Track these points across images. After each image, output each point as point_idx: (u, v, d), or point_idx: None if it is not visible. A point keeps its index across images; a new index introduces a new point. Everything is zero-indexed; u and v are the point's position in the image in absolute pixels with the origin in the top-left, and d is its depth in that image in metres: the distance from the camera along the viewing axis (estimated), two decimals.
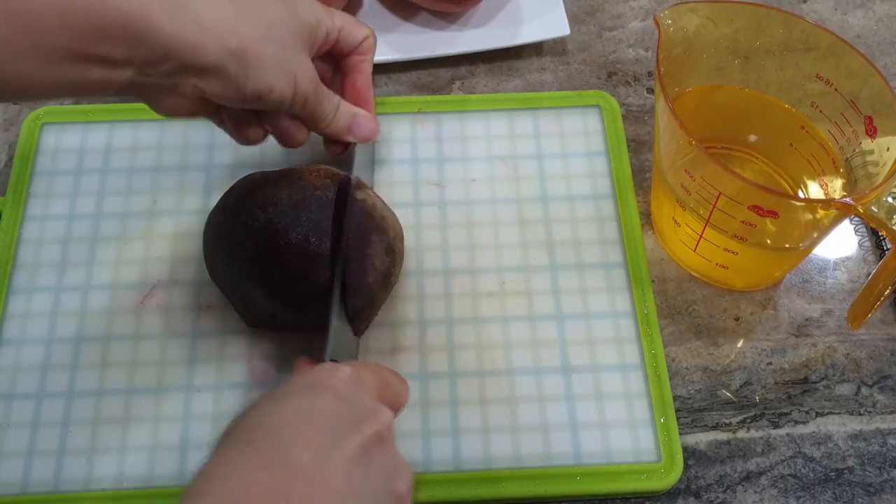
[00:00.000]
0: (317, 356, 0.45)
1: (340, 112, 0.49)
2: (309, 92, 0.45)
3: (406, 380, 0.42)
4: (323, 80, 0.49)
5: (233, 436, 0.35)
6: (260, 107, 0.45)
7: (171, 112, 0.44)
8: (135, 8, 0.38)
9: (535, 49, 0.67)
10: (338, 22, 0.49)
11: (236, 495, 0.31)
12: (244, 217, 0.48)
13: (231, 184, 0.52)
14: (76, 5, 0.36)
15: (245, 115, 0.48)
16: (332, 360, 0.44)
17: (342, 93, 0.52)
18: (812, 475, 0.50)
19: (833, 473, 0.50)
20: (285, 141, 0.49)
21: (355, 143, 0.52)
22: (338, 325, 0.45)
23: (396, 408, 0.40)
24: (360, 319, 0.49)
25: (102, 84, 0.39)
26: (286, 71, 0.44)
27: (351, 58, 0.51)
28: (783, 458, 0.51)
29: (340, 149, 0.52)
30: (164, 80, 0.41)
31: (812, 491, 0.50)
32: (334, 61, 0.52)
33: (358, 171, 0.51)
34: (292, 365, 0.51)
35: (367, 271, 0.47)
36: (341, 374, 0.37)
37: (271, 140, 0.57)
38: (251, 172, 0.52)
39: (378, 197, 0.51)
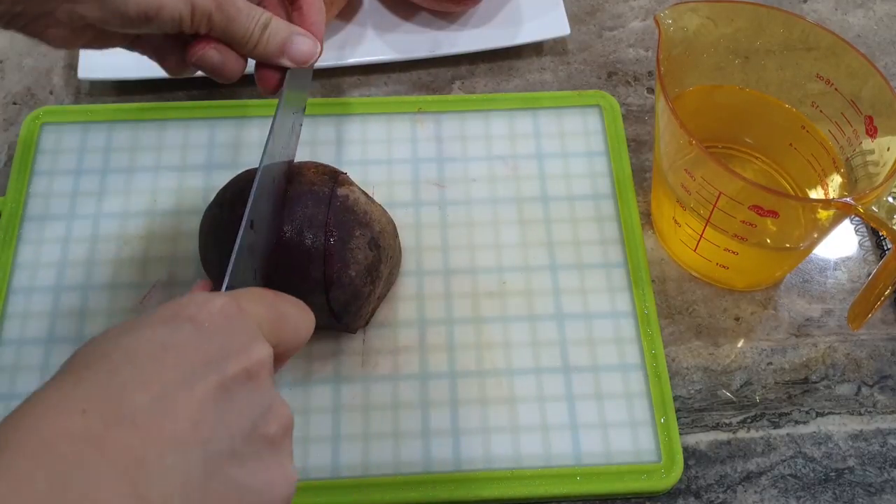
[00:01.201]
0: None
1: (271, 30, 0.43)
2: (211, 8, 0.40)
3: (310, 310, 0.36)
4: (264, 3, 0.45)
5: (65, 370, 0.30)
6: (155, 30, 0.40)
7: (62, 44, 0.40)
8: None
9: (535, 49, 0.67)
10: None
11: (43, 447, 0.26)
12: (240, 211, 0.48)
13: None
14: None
15: (162, 41, 0.43)
16: (230, 288, 0.38)
17: (290, 21, 0.46)
18: (812, 475, 0.50)
19: (833, 473, 0.50)
20: (213, 70, 0.43)
21: (288, 74, 0.46)
22: (242, 255, 0.40)
23: (296, 343, 0.35)
24: (348, 314, 0.49)
25: None
26: None
27: None
28: (783, 458, 0.51)
29: (274, 79, 0.45)
30: (31, 7, 0.38)
31: (812, 491, 0.50)
32: None
33: (282, 114, 0.46)
34: (292, 365, 0.52)
35: (349, 265, 0.47)
36: (212, 305, 0.31)
37: None
38: (249, 168, 0.52)
39: (364, 193, 0.51)
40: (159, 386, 0.28)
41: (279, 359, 0.34)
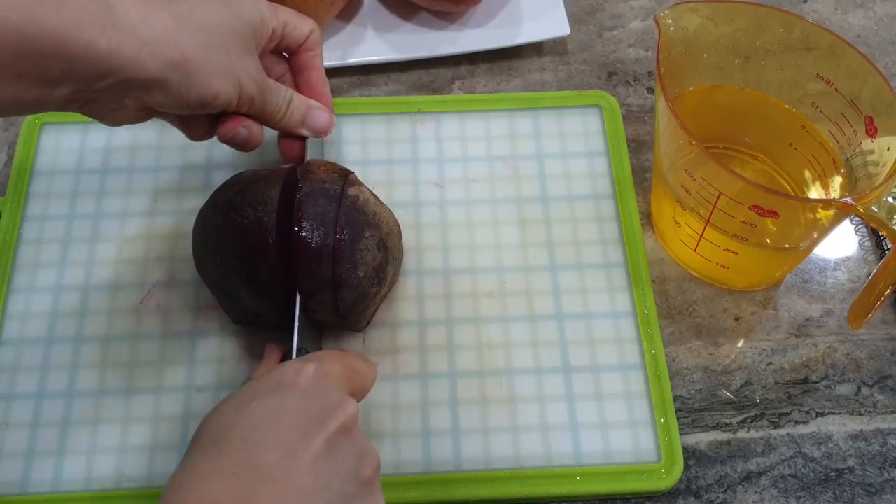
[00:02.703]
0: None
1: (294, 105, 0.49)
2: (254, 92, 0.45)
3: (372, 361, 0.43)
4: (275, 76, 0.50)
5: (201, 442, 0.36)
6: (205, 111, 0.45)
7: (118, 122, 0.44)
8: (69, 27, 0.37)
9: (535, 49, 0.67)
10: (282, 17, 0.48)
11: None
12: (234, 215, 0.48)
13: None
14: (8, 24, 0.36)
15: (195, 115, 0.47)
16: (301, 350, 0.46)
17: (298, 91, 0.51)
18: (812, 475, 0.50)
19: (833, 473, 0.50)
20: (240, 144, 0.48)
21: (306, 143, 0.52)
22: (301, 316, 0.47)
23: (364, 391, 0.42)
24: (354, 314, 0.49)
25: (39, 101, 0.39)
26: (230, 75, 0.44)
27: (301, 55, 0.51)
28: (783, 458, 0.51)
29: (296, 147, 0.51)
30: (105, 95, 0.41)
31: (812, 491, 0.50)
32: (285, 57, 0.52)
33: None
34: None
35: (358, 266, 0.47)
36: (306, 371, 0.38)
37: (270, 140, 0.57)
38: (242, 171, 0.52)
39: (372, 193, 0.51)
40: (283, 447, 0.35)
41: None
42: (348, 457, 0.36)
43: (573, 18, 0.68)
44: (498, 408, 0.51)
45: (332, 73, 0.65)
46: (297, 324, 0.46)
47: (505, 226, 0.57)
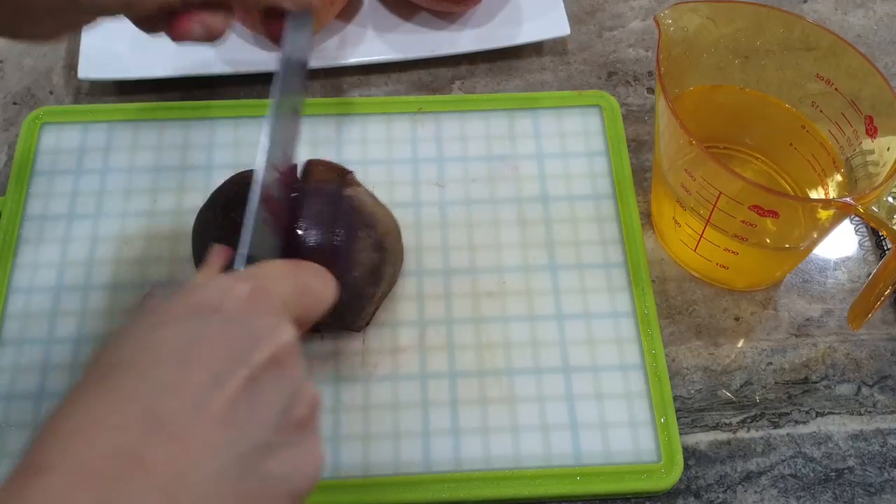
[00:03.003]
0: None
1: None
2: None
3: (331, 277, 0.36)
4: None
5: (91, 374, 0.29)
6: (144, 11, 0.40)
7: (52, 35, 0.40)
8: None
9: (535, 49, 0.67)
10: None
11: (83, 467, 0.26)
12: (234, 214, 0.48)
13: None
14: None
15: (149, 15, 0.42)
16: (251, 258, 0.36)
17: None
18: (812, 475, 0.50)
19: (833, 473, 0.50)
20: (199, 41, 0.42)
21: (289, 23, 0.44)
22: (259, 217, 0.38)
23: (317, 312, 0.35)
24: (350, 314, 0.49)
25: None
26: None
27: None
28: (783, 458, 0.51)
29: (278, 26, 0.44)
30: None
31: (812, 491, 0.50)
32: None
33: (285, 64, 0.44)
34: None
35: (353, 266, 0.47)
36: (237, 291, 0.31)
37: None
38: (242, 171, 0.52)
39: (370, 194, 0.51)
40: (190, 389, 0.28)
41: (303, 325, 0.34)
42: (276, 397, 0.30)
43: (573, 18, 0.68)
44: (498, 408, 0.51)
45: (333, 73, 0.65)
46: (251, 223, 0.37)
47: (505, 226, 0.57)
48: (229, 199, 0.49)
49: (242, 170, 0.52)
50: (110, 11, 0.39)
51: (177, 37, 0.41)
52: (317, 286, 0.35)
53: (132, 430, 0.27)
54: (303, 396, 0.31)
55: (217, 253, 0.37)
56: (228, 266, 0.37)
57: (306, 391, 0.31)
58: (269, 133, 0.40)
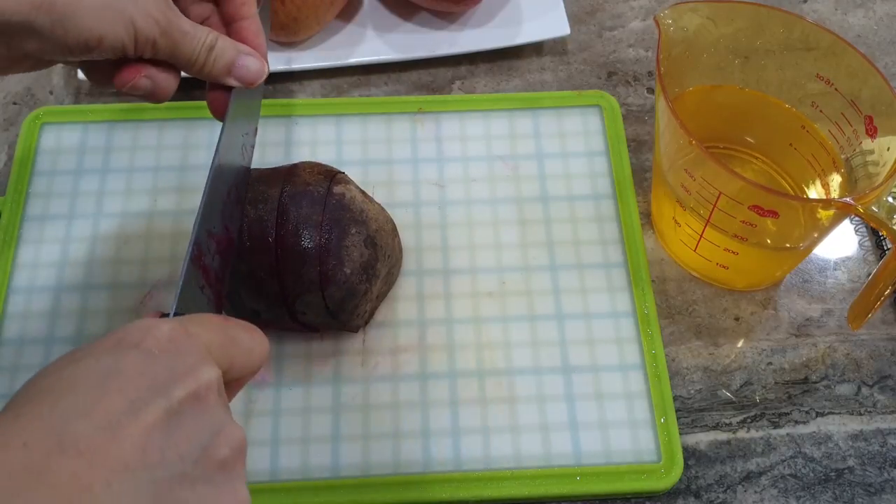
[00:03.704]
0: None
1: (217, 51, 0.42)
2: (155, 34, 0.40)
3: (263, 334, 0.36)
4: (197, 19, 0.44)
5: (9, 405, 0.29)
6: (96, 57, 0.40)
7: (4, 70, 0.40)
8: None
9: (535, 49, 0.67)
10: None
11: None
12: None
13: None
14: None
15: (99, 64, 0.42)
16: (178, 314, 0.37)
17: None
18: (812, 475, 0.50)
19: (833, 473, 0.50)
20: (144, 96, 0.42)
21: (233, 93, 0.45)
22: (189, 273, 0.39)
23: (249, 366, 0.35)
24: (345, 312, 0.49)
25: None
26: (119, 16, 0.38)
27: (229, 2, 0.45)
28: (783, 458, 0.51)
29: (223, 100, 0.45)
30: None
31: (812, 491, 0.50)
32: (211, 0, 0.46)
33: (228, 136, 0.44)
34: (292, 365, 0.52)
35: (344, 263, 0.47)
36: (158, 330, 0.31)
37: (270, 139, 0.57)
38: None
39: (361, 191, 0.51)
40: (104, 413, 0.28)
41: (233, 384, 0.34)
42: (196, 431, 0.29)
43: (573, 18, 0.68)
44: (498, 408, 0.51)
45: (332, 73, 0.65)
46: (181, 280, 0.38)
47: (505, 226, 0.57)
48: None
49: None
50: (70, 54, 0.39)
51: (121, 84, 0.41)
52: (245, 340, 0.35)
53: (39, 448, 0.26)
54: (226, 437, 0.30)
55: (149, 315, 0.37)
56: None
57: (231, 433, 0.31)
58: (205, 200, 0.41)
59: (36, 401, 0.28)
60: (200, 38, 0.42)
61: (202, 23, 0.44)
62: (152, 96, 0.42)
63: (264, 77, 0.45)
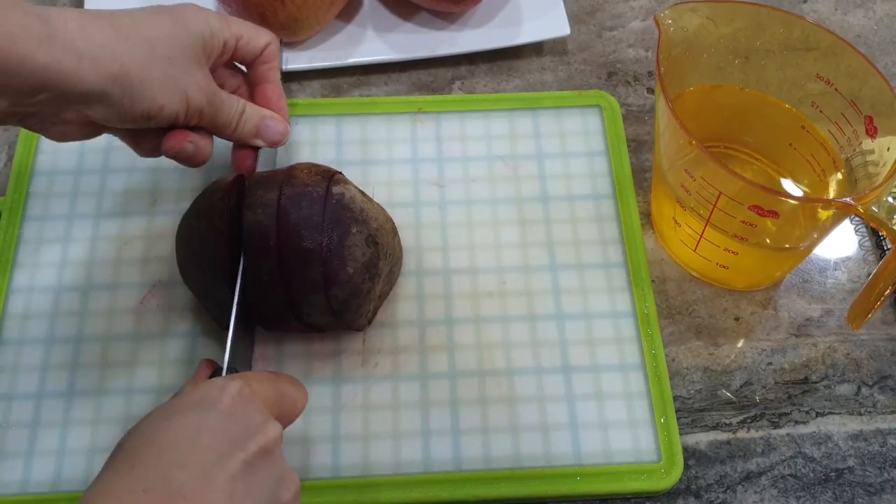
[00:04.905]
0: (236, 360, 0.46)
1: (246, 116, 0.48)
2: (203, 104, 0.45)
3: (303, 386, 0.43)
4: (230, 89, 0.49)
5: (116, 459, 0.35)
6: (152, 125, 0.44)
7: (62, 138, 0.44)
8: (3, 40, 0.37)
9: (535, 49, 0.67)
10: (235, 30, 0.48)
11: None
12: (217, 222, 0.48)
13: None
14: None
15: (143, 130, 0.46)
16: (231, 368, 0.45)
17: (254, 103, 0.51)
18: (812, 475, 0.50)
19: (833, 473, 0.50)
20: (187, 160, 0.47)
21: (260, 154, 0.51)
22: (237, 333, 0.47)
23: (293, 415, 0.42)
24: (349, 312, 0.49)
25: None
26: (176, 88, 0.43)
27: (257, 67, 0.50)
28: (783, 458, 0.51)
29: (249, 158, 0.50)
30: (45, 108, 0.40)
31: (812, 491, 0.50)
32: (241, 70, 0.51)
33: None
34: (292, 365, 0.52)
35: (347, 262, 0.47)
36: (230, 389, 0.38)
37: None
38: (219, 179, 0.51)
39: (360, 191, 0.51)
40: (199, 465, 0.34)
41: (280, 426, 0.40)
42: (267, 480, 0.36)
43: (573, 18, 0.68)
44: (498, 408, 0.51)
45: (332, 73, 0.65)
46: (230, 340, 0.46)
47: (505, 226, 0.57)
48: (212, 206, 0.49)
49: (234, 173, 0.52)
50: (131, 122, 0.43)
51: (168, 149, 0.46)
52: (291, 392, 0.42)
53: (156, 494, 0.33)
54: (288, 484, 0.37)
55: (203, 365, 0.46)
56: (215, 374, 0.45)
57: (291, 480, 0.37)
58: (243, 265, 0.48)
59: (143, 454, 0.34)
60: (235, 106, 0.47)
61: (233, 92, 0.50)
62: (194, 160, 0.47)
63: (287, 138, 0.51)
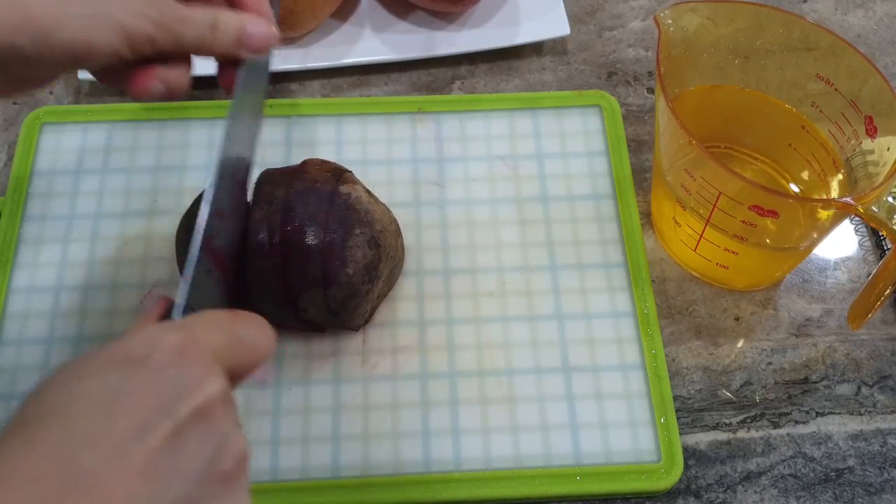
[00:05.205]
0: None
1: (223, 26, 0.41)
2: (150, 30, 0.38)
3: (270, 327, 0.35)
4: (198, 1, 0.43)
5: (15, 425, 0.29)
6: (93, 66, 0.39)
7: (7, 93, 0.40)
8: None
9: (535, 49, 0.67)
10: None
11: None
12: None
13: None
14: None
15: (109, 70, 0.40)
16: (188, 308, 0.36)
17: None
18: (812, 475, 0.50)
19: (833, 473, 0.50)
20: (161, 99, 0.41)
21: (239, 71, 0.43)
22: (200, 261, 0.38)
23: (254, 363, 0.34)
24: (345, 312, 0.49)
25: None
26: (102, 21, 0.37)
27: None
28: (783, 458, 0.51)
29: (231, 75, 0.43)
30: None
31: (812, 491, 0.50)
32: None
33: (235, 119, 0.43)
34: (292, 365, 0.52)
35: (347, 263, 0.47)
36: (165, 342, 0.31)
37: (270, 139, 0.57)
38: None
39: (367, 192, 0.51)
40: (111, 441, 0.28)
41: (236, 379, 0.34)
42: (201, 448, 0.29)
43: (573, 18, 0.68)
44: (498, 408, 0.51)
45: (332, 73, 0.65)
46: (190, 271, 0.37)
47: (505, 226, 0.57)
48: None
49: None
50: (62, 68, 0.39)
51: (135, 93, 0.40)
52: (251, 335, 0.34)
53: (47, 485, 0.26)
54: (230, 449, 0.30)
55: (156, 303, 0.36)
56: (166, 315, 0.36)
57: (234, 444, 0.31)
58: (215, 182, 0.40)
59: (44, 424, 0.28)
60: (201, 19, 0.40)
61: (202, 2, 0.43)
62: (170, 97, 0.41)
63: (274, 41, 0.43)
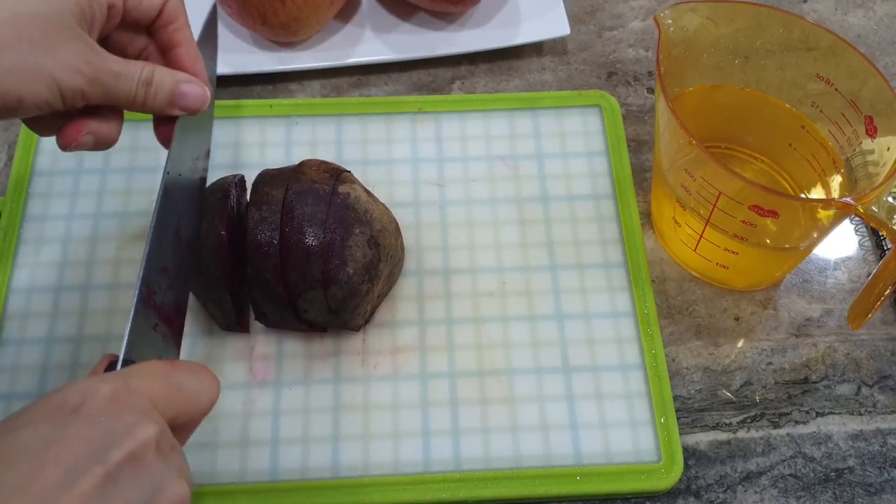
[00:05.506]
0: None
1: (157, 83, 0.41)
2: (82, 84, 0.38)
3: (212, 375, 0.36)
4: (135, 54, 0.43)
5: None
6: (24, 116, 0.39)
7: None
8: None
9: (535, 49, 0.67)
10: None
11: None
12: (217, 222, 0.48)
13: None
14: None
15: (40, 119, 0.41)
16: (128, 361, 0.37)
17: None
18: (812, 475, 0.50)
19: (833, 473, 0.50)
20: (93, 149, 0.41)
21: (179, 121, 0.44)
22: (140, 316, 0.39)
23: (197, 412, 0.35)
24: (346, 311, 0.49)
25: None
26: (36, 74, 0.37)
27: (160, 31, 0.43)
28: (783, 458, 0.51)
29: (172, 131, 0.44)
30: None
31: (812, 491, 0.50)
32: (144, 31, 0.44)
33: (175, 162, 0.43)
34: (292, 365, 0.52)
35: (347, 262, 0.48)
36: (99, 392, 0.31)
37: (270, 141, 0.57)
38: (218, 179, 0.51)
39: (366, 191, 0.51)
40: (40, 488, 0.28)
41: (183, 429, 0.34)
42: (134, 492, 0.30)
43: (573, 18, 0.68)
44: (498, 408, 0.51)
45: (332, 73, 0.65)
46: (128, 326, 0.37)
47: (505, 226, 0.57)
48: (211, 207, 0.49)
49: (236, 171, 0.52)
50: (2, 119, 0.39)
51: (64, 146, 0.40)
52: (192, 384, 0.35)
53: None
54: (167, 493, 0.31)
55: (104, 358, 0.37)
56: (110, 369, 0.36)
57: (172, 489, 0.31)
58: (152, 236, 0.40)
59: None
60: (135, 75, 0.40)
61: (140, 55, 0.43)
62: (99, 147, 0.41)
63: (207, 103, 0.44)
